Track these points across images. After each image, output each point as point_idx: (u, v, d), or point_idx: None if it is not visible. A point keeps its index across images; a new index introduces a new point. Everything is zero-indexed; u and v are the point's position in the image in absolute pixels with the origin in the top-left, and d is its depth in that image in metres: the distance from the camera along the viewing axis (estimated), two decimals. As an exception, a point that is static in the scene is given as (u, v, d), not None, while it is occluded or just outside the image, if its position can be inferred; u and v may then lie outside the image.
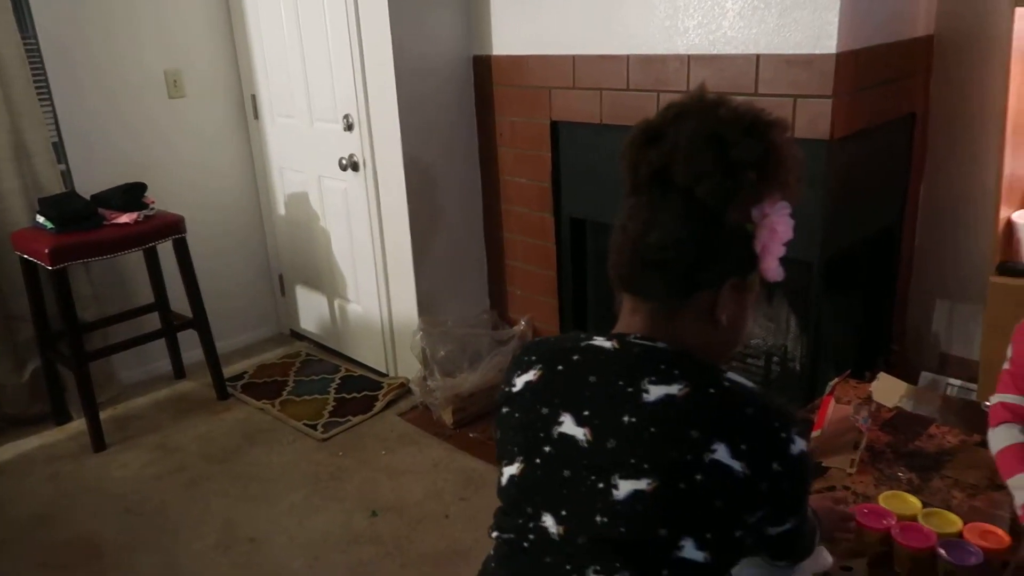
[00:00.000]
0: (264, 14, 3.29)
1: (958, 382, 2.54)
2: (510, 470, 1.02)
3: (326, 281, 3.54)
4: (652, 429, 0.91)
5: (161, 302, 3.31)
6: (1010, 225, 2.12)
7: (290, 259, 3.73)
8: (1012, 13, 1.90)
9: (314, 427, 3.00)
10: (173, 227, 3.04)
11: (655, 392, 0.92)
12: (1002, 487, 1.46)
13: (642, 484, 0.90)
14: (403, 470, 2.72)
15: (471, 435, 2.89)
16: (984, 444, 1.57)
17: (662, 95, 2.40)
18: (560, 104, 2.73)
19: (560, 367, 1.01)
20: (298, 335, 3.85)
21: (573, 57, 2.63)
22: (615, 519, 0.91)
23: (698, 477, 0.88)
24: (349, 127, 3.07)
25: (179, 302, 3.25)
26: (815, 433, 1.64)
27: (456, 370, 3.01)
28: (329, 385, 3.34)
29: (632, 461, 0.91)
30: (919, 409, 1.71)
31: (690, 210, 0.92)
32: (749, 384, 0.96)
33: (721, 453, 0.89)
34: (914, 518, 1.33)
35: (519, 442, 1.01)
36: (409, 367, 3.16)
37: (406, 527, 2.42)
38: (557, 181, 2.86)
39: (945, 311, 2.66)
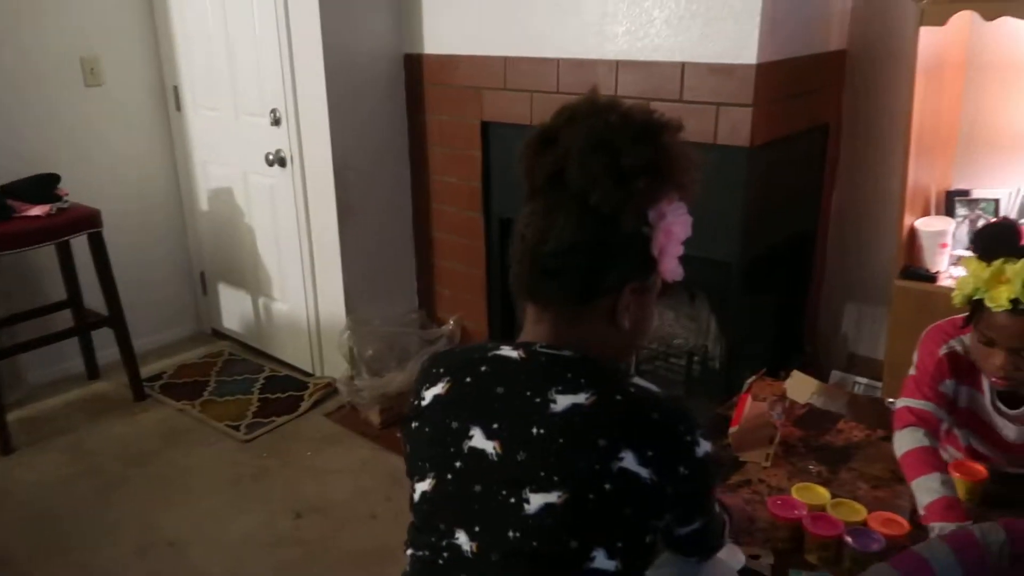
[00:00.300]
0: (189, 1, 3.19)
1: (864, 380, 2.68)
2: (422, 486, 1.00)
3: (250, 279, 3.46)
4: (560, 440, 0.91)
5: (74, 299, 3.17)
6: (913, 232, 2.25)
7: (212, 256, 3.63)
8: (916, 32, 2.01)
9: (237, 428, 2.93)
10: (88, 221, 2.92)
11: (562, 402, 0.92)
12: (902, 478, 1.55)
13: (552, 497, 0.90)
14: (329, 470, 2.69)
15: (399, 435, 2.86)
16: (887, 439, 1.66)
17: (591, 99, 2.45)
18: (491, 105, 2.75)
19: (468, 379, 1.00)
20: (220, 334, 3.75)
21: (504, 58, 2.65)
22: (527, 534, 0.91)
23: (607, 486, 0.89)
24: (276, 122, 3.02)
25: (94, 299, 3.12)
26: (733, 429, 1.71)
27: (384, 369, 2.99)
28: (253, 385, 3.27)
29: (542, 474, 0.91)
30: (828, 405, 1.80)
31: (585, 216, 0.92)
32: (654, 388, 0.97)
33: (628, 461, 0.89)
34: (823, 508, 1.40)
35: (430, 457, 0.99)
36: (336, 367, 3.13)
37: (332, 528, 2.39)
38: (487, 181, 2.88)
39: (854, 313, 2.79)
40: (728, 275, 2.35)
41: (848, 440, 1.73)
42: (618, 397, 0.93)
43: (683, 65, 2.22)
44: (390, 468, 2.68)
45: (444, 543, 0.96)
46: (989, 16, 1.95)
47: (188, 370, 3.41)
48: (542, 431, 0.92)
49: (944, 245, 2.22)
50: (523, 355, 0.97)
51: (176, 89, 3.43)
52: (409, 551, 1.03)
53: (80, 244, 3.00)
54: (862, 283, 2.71)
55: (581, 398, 0.92)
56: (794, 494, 1.44)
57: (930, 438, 1.41)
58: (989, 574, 1.11)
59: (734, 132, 2.16)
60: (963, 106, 2.35)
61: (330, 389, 3.17)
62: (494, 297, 3.04)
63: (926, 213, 2.31)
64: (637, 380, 0.96)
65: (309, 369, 3.34)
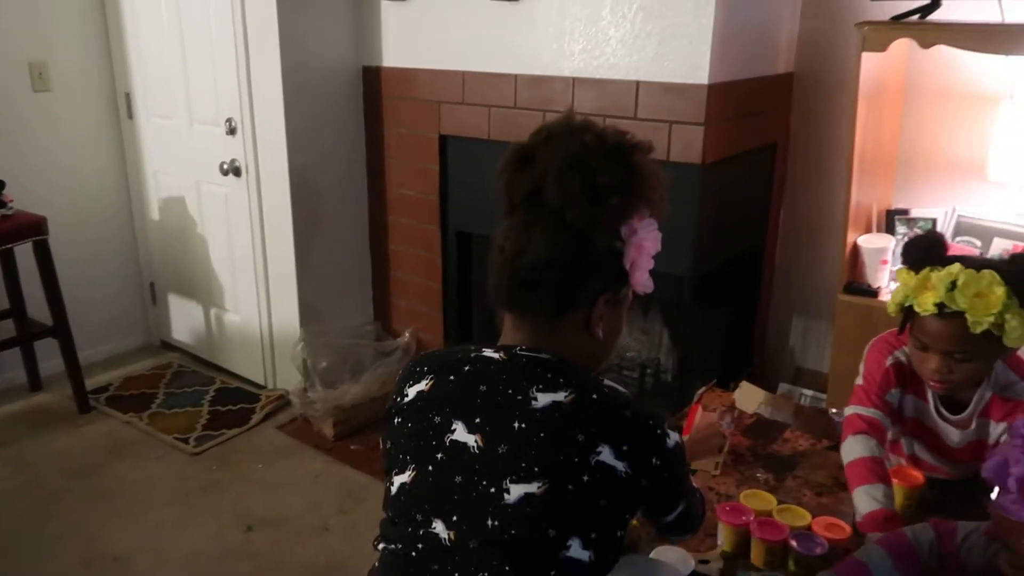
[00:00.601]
0: (142, 7, 3.16)
1: (810, 392, 2.75)
2: (401, 478, 1.03)
3: (202, 289, 3.41)
4: (542, 434, 0.96)
5: (17, 308, 3.08)
6: (856, 249, 2.33)
7: (163, 266, 3.57)
8: (859, 58, 2.10)
9: (185, 441, 2.88)
10: (33, 228, 2.85)
11: (543, 399, 0.97)
12: (844, 485, 1.61)
13: (532, 487, 0.94)
14: (281, 483, 2.65)
15: (352, 447, 2.86)
16: (832, 448, 1.73)
17: (548, 114, 2.49)
18: (449, 118, 2.77)
19: (452, 377, 1.04)
20: (170, 346, 3.68)
21: (463, 73, 2.68)
22: (506, 522, 0.94)
23: (585, 478, 0.94)
24: (232, 131, 2.99)
25: (38, 309, 3.04)
26: (684, 438, 1.74)
27: (338, 381, 2.97)
28: (203, 397, 3.21)
29: (523, 465, 0.95)
30: (775, 415, 1.85)
31: (561, 232, 0.98)
32: (622, 389, 1.03)
33: (605, 454, 0.95)
34: (769, 514, 1.44)
35: (411, 450, 1.03)
36: (289, 379, 3.09)
37: (284, 541, 2.36)
38: (444, 194, 2.90)
39: (800, 327, 2.87)
40: (680, 289, 2.41)
41: (794, 449, 1.78)
42: (594, 396, 0.99)
43: (638, 83, 2.28)
44: (343, 481, 2.66)
45: (421, 533, 0.99)
46: (925, 44, 2.05)
47: (135, 382, 3.34)
48: (523, 425, 0.97)
49: (885, 262, 2.31)
50: (504, 356, 1.02)
51: (128, 96, 3.37)
52: (380, 545, 1.05)
53: (24, 252, 2.92)
54: (808, 298, 2.79)
55: (561, 396, 0.98)
56: (742, 500, 1.48)
57: (879, 448, 1.45)
58: (921, 572, 1.17)
59: (687, 150, 2.22)
60: (902, 130, 2.45)
61: (283, 401, 3.13)
62: (450, 309, 3.05)
63: (868, 231, 2.40)
64: (608, 383, 1.02)
65: (261, 381, 3.29)
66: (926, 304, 1.31)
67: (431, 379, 1.05)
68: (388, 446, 1.08)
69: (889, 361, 1.51)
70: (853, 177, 2.21)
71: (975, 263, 1.32)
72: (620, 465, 0.95)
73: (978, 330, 1.27)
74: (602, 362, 1.13)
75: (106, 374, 3.39)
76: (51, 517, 2.46)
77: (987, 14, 2.14)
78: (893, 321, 1.46)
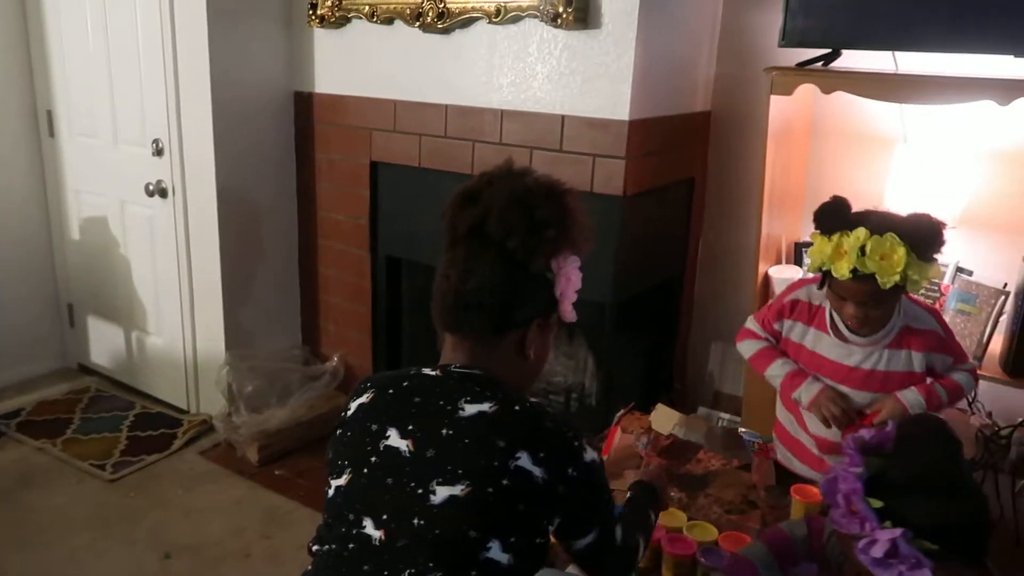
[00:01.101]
0: (67, 24, 3.11)
1: (727, 416, 2.87)
2: (337, 482, 1.11)
3: (123, 312, 3.33)
4: (466, 440, 1.05)
5: (-77, 329, 2.96)
6: (767, 278, 2.46)
7: (83, 288, 3.48)
8: (768, 101, 2.25)
9: (102, 467, 2.80)
10: (-56, 246, 2.75)
11: (470, 409, 1.07)
12: (753, 503, 1.70)
13: (456, 489, 1.02)
14: (202, 509, 2.61)
15: (277, 472, 2.83)
16: (743, 467, 1.83)
17: (477, 144, 2.56)
18: (380, 145, 2.82)
19: (391, 391, 1.14)
20: (88, 369, 3.57)
21: (395, 102, 2.73)
22: (431, 522, 1.01)
23: (504, 482, 1.02)
24: (159, 152, 2.96)
25: (-54, 330, 2.93)
26: (603, 458, 1.81)
27: (264, 406, 2.95)
28: (122, 423, 3.13)
29: (448, 468, 1.03)
30: (689, 436, 1.93)
31: (502, 260, 1.09)
32: (549, 407, 1.13)
33: (524, 460, 1.03)
34: (680, 530, 1.52)
35: (348, 455, 1.11)
36: (213, 403, 3.05)
37: (204, 568, 2.32)
38: (375, 219, 2.93)
39: (719, 353, 2.99)
40: (603, 315, 2.49)
41: (707, 468, 1.87)
42: (517, 408, 1.08)
43: (563, 118, 2.37)
44: (267, 506, 2.64)
45: (353, 532, 1.05)
46: (826, 90, 2.21)
47: (50, 407, 3.23)
48: (451, 432, 1.06)
49: (793, 291, 2.44)
50: (440, 373, 1.13)
51: (50, 114, 3.30)
52: (315, 548, 1.11)
53: (-66, 271, 2.82)
54: (725, 325, 2.91)
55: (486, 407, 1.07)
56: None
57: (766, 343, 1.84)
58: (797, 560, 1.30)
59: (609, 182, 2.32)
60: (809, 167, 2.61)
61: (206, 426, 3.08)
62: (379, 334, 3.06)
63: (778, 262, 2.53)
64: (532, 400, 1.12)
65: (184, 406, 3.23)
66: (842, 270, 1.54)
67: (372, 393, 1.15)
68: (330, 455, 1.15)
69: (789, 298, 1.81)
70: (764, 211, 2.34)
71: (877, 224, 1.53)
72: (537, 471, 1.02)
73: (887, 286, 1.51)
74: (530, 385, 1.22)
75: (18, 399, 3.27)
76: (-46, 548, 2.36)
77: (884, 63, 2.31)
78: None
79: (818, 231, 1.62)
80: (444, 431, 1.06)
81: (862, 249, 1.51)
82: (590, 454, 1.09)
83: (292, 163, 3.08)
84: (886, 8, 2.10)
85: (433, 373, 1.13)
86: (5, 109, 3.23)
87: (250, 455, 2.87)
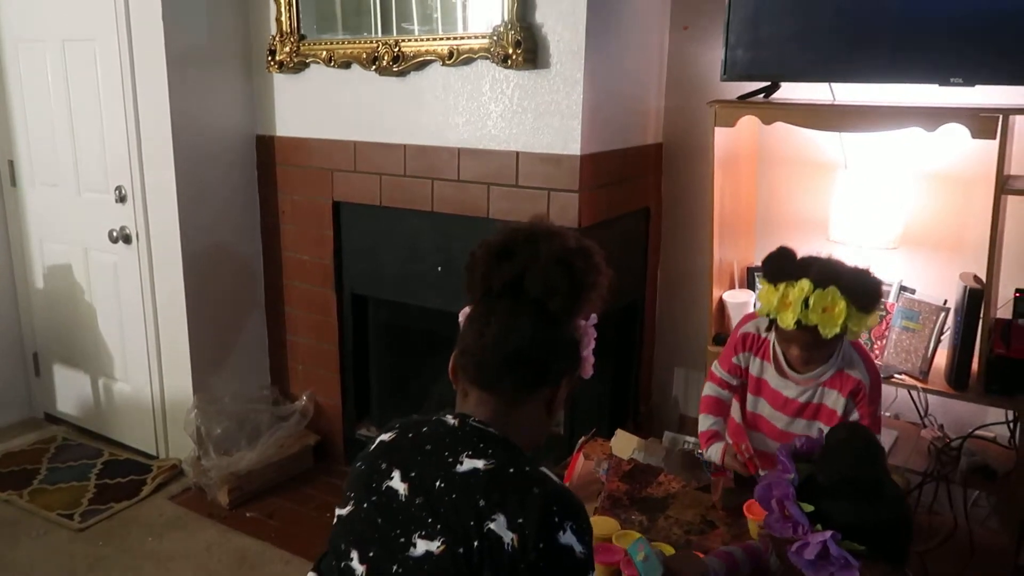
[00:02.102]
0: (28, 75, 3.14)
1: (693, 440, 2.90)
2: (340, 512, 1.13)
3: (90, 359, 3.33)
4: (453, 495, 1.03)
5: None
6: (722, 303, 2.54)
7: (47, 336, 3.46)
8: (713, 131, 2.34)
9: (70, 516, 2.77)
10: (-95, 300, 2.75)
11: (467, 465, 1.05)
12: (712, 523, 1.76)
13: (433, 545, 1.01)
14: (172, 555, 2.59)
15: (248, 515, 2.82)
16: (702, 489, 1.89)
17: (436, 182, 2.63)
18: (342, 185, 2.87)
19: (410, 434, 1.14)
20: (54, 418, 3.54)
21: (354, 143, 2.79)
22: (407, 573, 1.02)
23: (475, 543, 0.99)
24: (122, 199, 2.99)
25: (-93, 384, 2.90)
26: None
27: (233, 448, 2.95)
28: (89, 471, 3.10)
29: (430, 520, 1.03)
30: (648, 460, 1.99)
31: (542, 319, 1.10)
32: (554, 477, 1.08)
33: (499, 523, 0.99)
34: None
35: (356, 487, 1.13)
36: (182, 447, 3.04)
37: (174, 614, 2.32)
38: (339, 258, 2.97)
39: (682, 377, 3.06)
40: (565, 344, 2.54)
41: (667, 491, 1.92)
42: (511, 470, 1.05)
43: (518, 154, 2.44)
44: (238, 549, 2.63)
45: (342, 564, 1.08)
46: (767, 121, 2.31)
47: (16, 458, 3.20)
48: (442, 485, 1.04)
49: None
50: (456, 423, 1.12)
51: (11, 164, 3.32)
52: (310, 574, 1.14)
53: None
54: (686, 349, 2.99)
55: (480, 463, 1.05)
56: (614, 541, 1.59)
57: (724, 393, 1.98)
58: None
59: (564, 214, 2.39)
60: (758, 194, 2.70)
61: (175, 471, 3.07)
62: (347, 371, 3.09)
63: (732, 286, 2.61)
64: (542, 468, 1.09)
65: (153, 451, 3.22)
66: (787, 321, 1.65)
67: (395, 432, 1.16)
68: (345, 485, 1.17)
69: (740, 331, 1.94)
70: (715, 238, 2.43)
71: (819, 275, 1.63)
72: (508, 536, 0.98)
73: (829, 336, 1.63)
74: (542, 442, 1.21)
75: (-17, 451, 3.24)
76: (-82, 606, 2.33)
77: (822, 94, 2.42)
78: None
79: (765, 278, 1.72)
80: (438, 483, 1.04)
81: (806, 301, 1.62)
82: (568, 539, 1.00)
83: (256, 205, 3.12)
84: (820, 43, 2.22)
85: (452, 422, 1.12)
86: (-34, 161, 3.24)
87: (220, 498, 2.86)
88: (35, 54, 3.09)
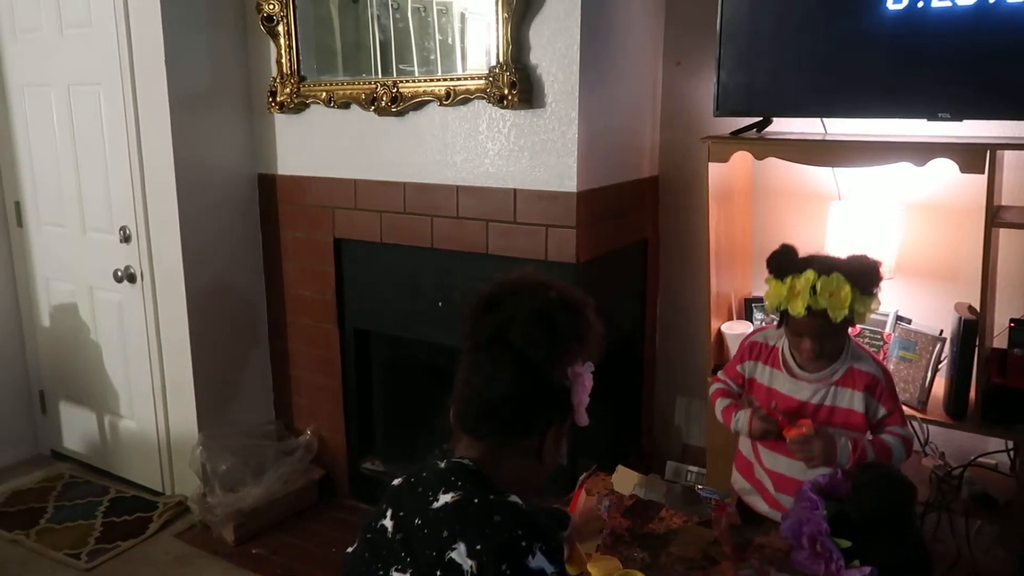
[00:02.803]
0: (34, 118, 3.20)
1: (695, 469, 2.93)
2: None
3: (96, 397, 3.35)
4: (426, 530, 1.08)
5: None
6: (720, 334, 2.56)
7: (54, 374, 3.50)
8: (707, 166, 2.37)
9: (77, 556, 2.79)
10: (-86, 344, 2.78)
11: (442, 500, 1.10)
12: (714, 558, 1.76)
13: None
14: (178, 594, 2.61)
15: (254, 551, 2.83)
16: (703, 523, 1.89)
17: (435, 219, 2.66)
18: (343, 223, 2.91)
19: (412, 478, 1.18)
20: (61, 456, 3.56)
21: (355, 181, 2.83)
22: None
23: (437, 573, 1.02)
24: (126, 239, 3.03)
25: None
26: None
27: (239, 484, 2.96)
28: (96, 509, 3.12)
29: (403, 555, 1.07)
30: (649, 495, 2.00)
31: (524, 370, 1.13)
32: (520, 504, 1.10)
33: (459, 552, 1.02)
34: None
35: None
36: (188, 484, 3.06)
37: (180, 655, 2.32)
38: (341, 294, 3.00)
39: (684, 407, 3.07)
40: (565, 378, 2.56)
41: (668, 527, 1.92)
42: (475, 500, 1.08)
43: (515, 191, 2.48)
44: (243, 587, 2.64)
45: None
46: (759, 156, 2.34)
47: (23, 496, 3.22)
48: (419, 521, 1.09)
49: (746, 345, 2.54)
50: (445, 465, 1.17)
51: (18, 205, 3.37)
52: None
53: (-97, 368, 2.83)
54: (687, 380, 3.00)
55: (449, 497, 1.09)
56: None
57: (732, 399, 2.01)
58: None
59: (561, 250, 2.42)
60: (754, 226, 2.73)
61: (181, 508, 3.08)
62: (351, 405, 3.11)
63: (730, 317, 2.63)
64: (512, 497, 1.11)
65: (159, 488, 3.23)
66: (797, 308, 1.72)
67: (403, 477, 1.20)
68: None
69: (748, 340, 2.00)
70: (711, 270, 2.45)
71: (823, 266, 1.72)
72: (467, 564, 1.01)
73: (838, 320, 1.70)
74: (539, 486, 1.24)
75: (-10, 490, 3.26)
76: (-74, 651, 2.34)
77: (815, 128, 2.46)
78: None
79: (771, 275, 1.80)
80: (416, 519, 1.09)
81: (813, 288, 1.70)
82: (538, 562, 1.02)
83: (258, 242, 3.16)
84: (810, 79, 2.26)
85: (441, 465, 1.16)
86: (-27, 203, 3.30)
87: (226, 535, 2.87)
88: (41, 98, 3.15)
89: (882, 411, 1.82)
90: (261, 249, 3.16)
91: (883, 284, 1.77)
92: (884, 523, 1.12)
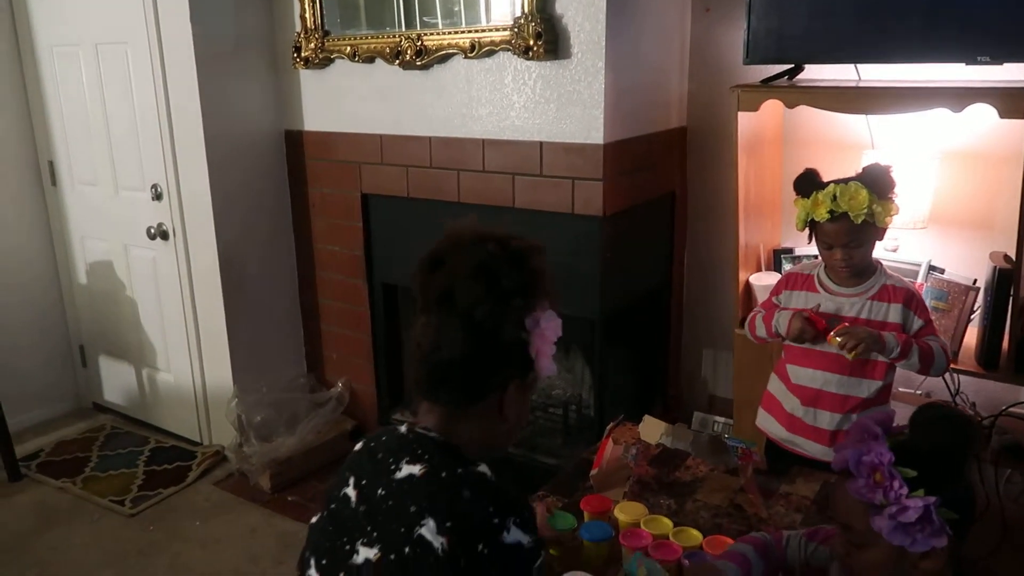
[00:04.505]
0: (64, 78, 3.23)
1: (722, 419, 2.95)
2: (313, 519, 1.17)
3: (133, 351, 3.44)
4: (390, 502, 1.03)
5: (-58, 380, 3.07)
6: (748, 285, 2.55)
7: (92, 329, 3.59)
8: (736, 115, 2.33)
9: (121, 503, 2.90)
10: (-41, 300, 2.87)
11: (404, 471, 1.05)
12: (739, 506, 1.79)
13: (371, 553, 1.01)
14: (218, 539, 2.70)
15: (289, 499, 2.92)
16: (729, 472, 1.91)
17: (461, 173, 2.66)
18: (369, 178, 2.92)
19: (371, 443, 1.16)
20: (102, 408, 3.68)
21: (381, 136, 2.83)
22: None
23: (406, 550, 0.98)
24: (158, 196, 3.08)
25: (-36, 380, 3.04)
26: (593, 472, 1.90)
27: (273, 435, 3.05)
28: (137, 458, 3.23)
29: (369, 528, 1.03)
30: (676, 444, 2.02)
31: (471, 330, 1.06)
32: (488, 474, 1.06)
33: (428, 528, 0.98)
34: (666, 536, 1.60)
35: (326, 496, 1.16)
36: (224, 434, 3.15)
37: (222, 596, 2.42)
38: (369, 249, 3.03)
39: (711, 358, 3.08)
40: (593, 330, 2.58)
41: (694, 475, 1.95)
42: (443, 474, 1.04)
43: (541, 144, 2.47)
44: (281, 532, 2.73)
45: (305, 573, 1.12)
46: (790, 105, 2.30)
47: (68, 446, 3.34)
48: (383, 492, 1.05)
49: (774, 297, 2.53)
50: (405, 431, 1.13)
51: (51, 164, 3.42)
52: None
53: (-51, 324, 2.93)
54: (714, 331, 3.00)
55: (416, 469, 1.05)
56: (642, 526, 1.63)
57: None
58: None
59: (588, 203, 2.41)
60: (783, 175, 2.69)
61: (219, 457, 3.18)
62: (380, 359, 3.16)
63: (758, 269, 2.62)
64: (481, 467, 1.07)
65: (196, 438, 3.33)
66: (821, 213, 1.85)
67: (363, 443, 1.18)
68: None
69: (784, 273, 2.12)
70: (740, 222, 2.43)
71: (841, 180, 1.86)
72: (438, 541, 0.97)
73: (859, 221, 1.82)
74: (506, 445, 1.20)
75: (37, 440, 3.38)
76: (-16, 590, 2.47)
77: (848, 74, 2.40)
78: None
79: (798, 195, 1.92)
80: (379, 490, 1.05)
81: (833, 196, 1.84)
82: (513, 536, 1.00)
83: (287, 199, 3.19)
84: (844, 24, 2.19)
85: (403, 430, 1.12)
86: (9, 162, 3.36)
87: (262, 483, 2.96)
88: (70, 58, 3.17)
89: (918, 323, 1.91)
90: (289, 206, 3.19)
91: (898, 190, 1.87)
92: (946, 460, 1.12)
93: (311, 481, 3.02)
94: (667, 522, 1.66)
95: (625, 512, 1.67)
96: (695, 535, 1.61)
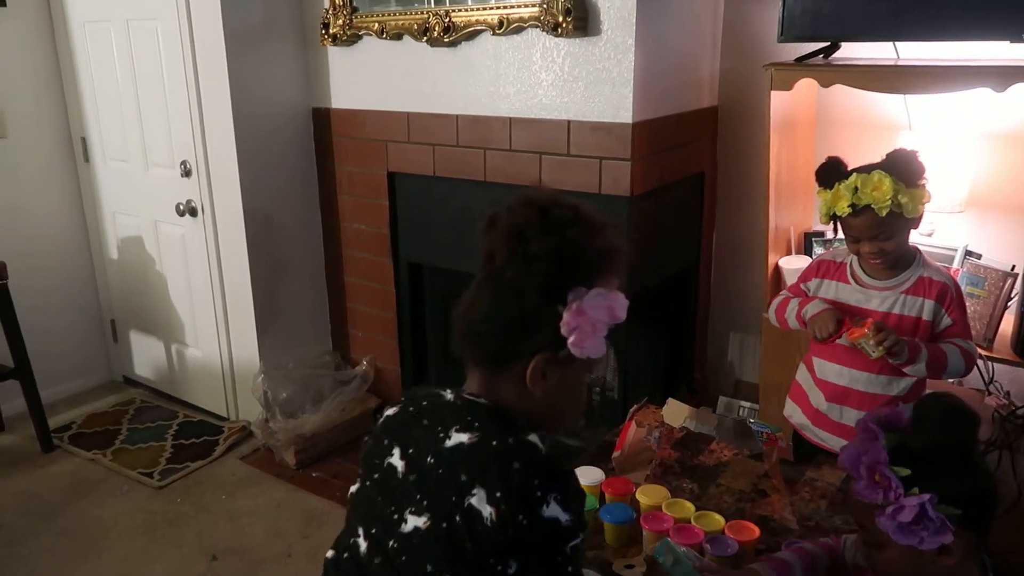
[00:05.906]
0: (95, 54, 3.26)
1: (748, 404, 2.92)
2: (352, 488, 1.17)
3: (162, 326, 3.49)
4: (440, 471, 1.03)
5: (-22, 352, 3.14)
6: (778, 269, 2.51)
7: (123, 304, 3.64)
8: (769, 94, 2.28)
9: (150, 475, 2.95)
10: (-7, 274, 2.92)
11: (455, 439, 1.05)
12: (763, 491, 1.77)
13: (420, 521, 1.02)
14: (244, 513, 2.74)
15: (314, 475, 2.95)
16: (753, 457, 1.89)
17: (488, 152, 2.64)
18: (396, 156, 2.91)
19: (412, 408, 1.15)
20: (132, 382, 3.74)
21: (407, 114, 2.82)
22: (400, 548, 1.04)
23: (457, 519, 0.99)
24: (187, 173, 3.10)
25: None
26: (616, 454, 1.89)
27: (298, 411, 3.07)
28: (166, 432, 3.28)
29: (418, 497, 1.03)
30: (700, 428, 2.00)
31: (502, 291, 1.06)
32: (539, 446, 1.04)
33: (478, 498, 0.98)
34: (688, 520, 1.59)
35: (364, 465, 1.16)
36: (251, 410, 3.19)
37: (247, 569, 2.45)
38: (395, 228, 3.03)
39: (738, 342, 3.04)
40: (618, 312, 2.55)
41: (718, 459, 1.93)
42: (494, 443, 1.03)
43: (569, 123, 2.44)
44: (306, 507, 2.76)
45: (351, 541, 1.12)
46: (825, 84, 2.24)
47: (99, 419, 3.40)
48: (433, 460, 1.05)
49: (804, 281, 2.48)
50: (451, 397, 1.13)
51: (84, 141, 3.46)
52: (329, 553, 1.17)
53: (-15, 297, 2.99)
54: (742, 315, 2.96)
55: (465, 437, 1.04)
56: (664, 509, 1.62)
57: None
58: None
59: (616, 183, 2.38)
60: (816, 157, 2.63)
61: (245, 433, 3.22)
62: (405, 338, 3.17)
63: (788, 252, 2.57)
64: (531, 437, 1.05)
65: (224, 413, 3.38)
66: (842, 207, 1.75)
67: (399, 407, 1.17)
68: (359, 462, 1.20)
69: (815, 259, 2.02)
70: (770, 204, 2.39)
71: (864, 168, 1.75)
72: (487, 510, 0.98)
73: (883, 213, 1.70)
74: (556, 421, 1.16)
75: (69, 412, 3.45)
76: (17, 559, 2.52)
77: (886, 52, 2.34)
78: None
79: (820, 187, 1.83)
80: (429, 458, 1.05)
81: (855, 189, 1.73)
82: (552, 511, 0.99)
83: (314, 176, 3.19)
84: (880, 0, 2.13)
85: (449, 397, 1.13)
86: (42, 138, 3.40)
87: (288, 459, 3.00)
88: (102, 34, 3.19)
89: (947, 321, 1.81)
90: (317, 184, 3.20)
91: (927, 175, 1.75)
92: (945, 454, 1.10)
93: (335, 458, 3.04)
94: (689, 506, 1.64)
95: (647, 495, 1.65)
96: (717, 519, 1.59)
